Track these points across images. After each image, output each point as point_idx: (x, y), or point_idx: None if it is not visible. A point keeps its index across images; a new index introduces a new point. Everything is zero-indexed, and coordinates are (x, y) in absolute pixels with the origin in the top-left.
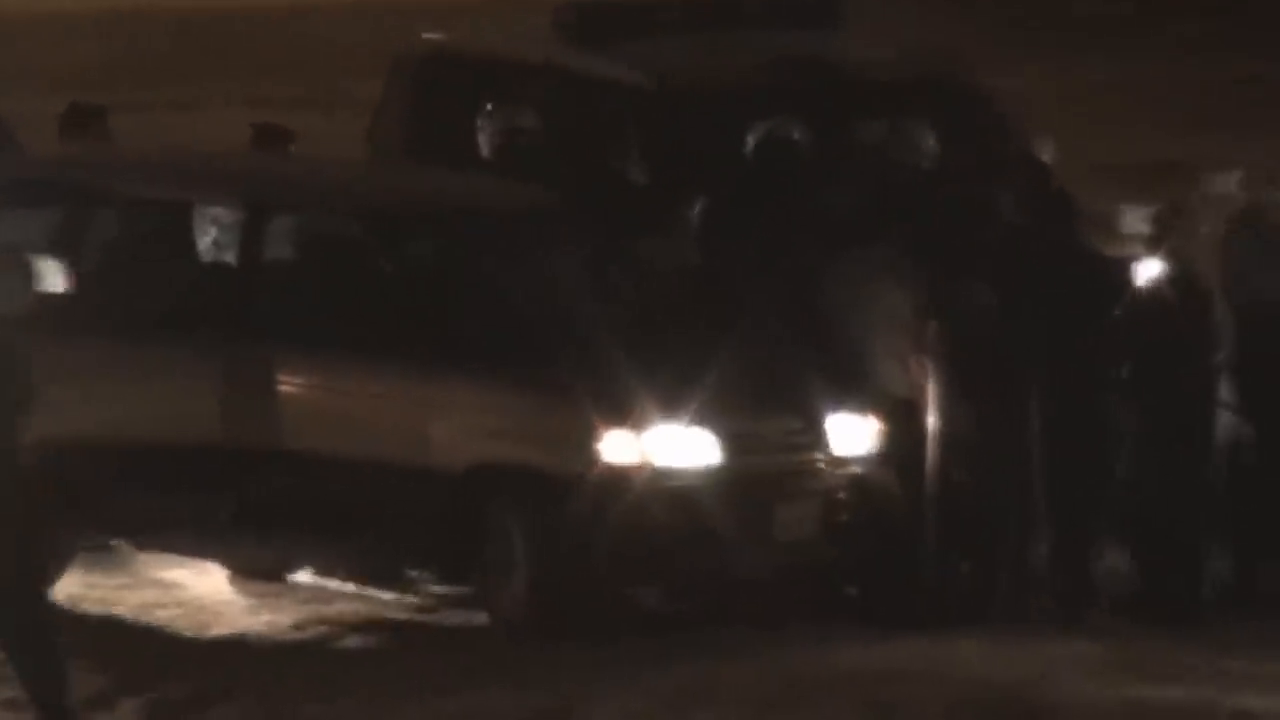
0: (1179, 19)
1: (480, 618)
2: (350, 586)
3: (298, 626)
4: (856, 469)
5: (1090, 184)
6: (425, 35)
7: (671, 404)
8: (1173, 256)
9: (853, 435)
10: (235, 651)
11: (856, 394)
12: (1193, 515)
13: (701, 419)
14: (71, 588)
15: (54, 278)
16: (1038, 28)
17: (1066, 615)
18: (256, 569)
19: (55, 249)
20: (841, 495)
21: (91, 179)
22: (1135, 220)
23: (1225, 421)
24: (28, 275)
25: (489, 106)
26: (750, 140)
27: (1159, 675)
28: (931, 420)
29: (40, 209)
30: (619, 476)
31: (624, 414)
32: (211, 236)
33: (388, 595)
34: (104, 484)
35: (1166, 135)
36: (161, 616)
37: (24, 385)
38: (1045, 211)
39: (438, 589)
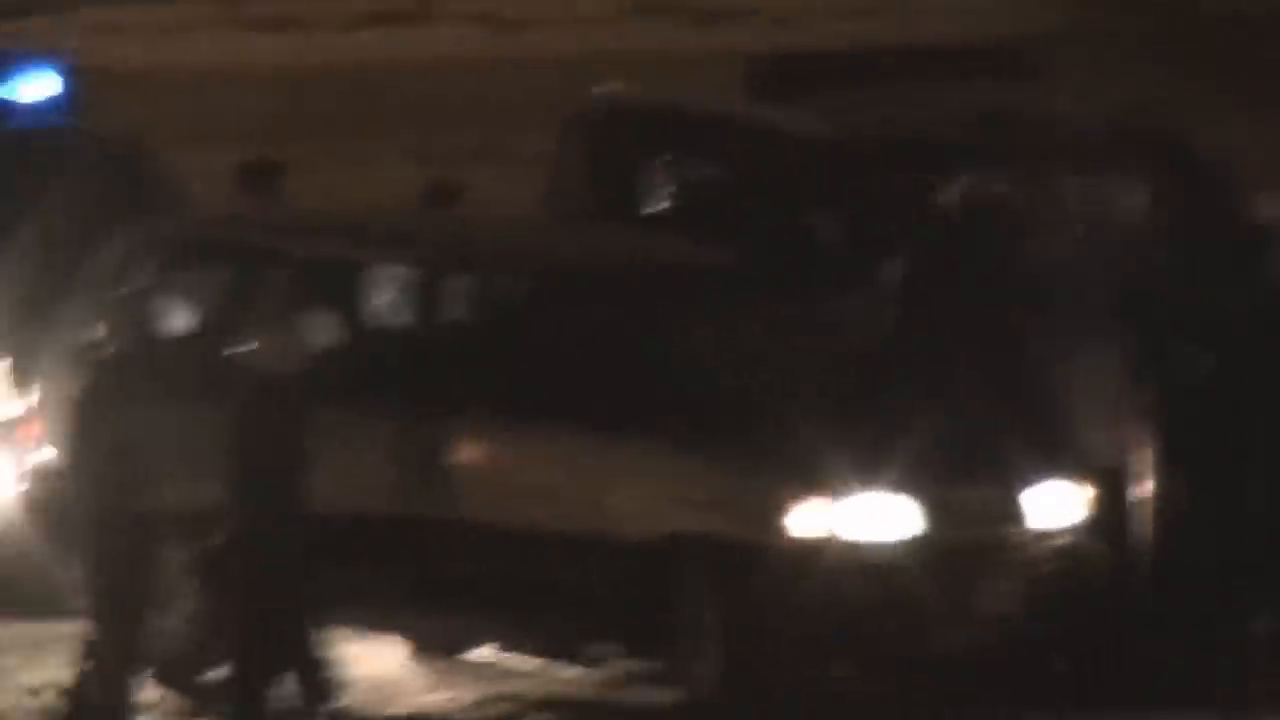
0: None
1: (669, 695)
2: (534, 662)
3: (480, 704)
4: (1062, 540)
5: None
6: (601, 89)
7: (869, 472)
8: None
9: (1059, 504)
10: None
11: (1064, 461)
12: None
13: (900, 487)
14: None
15: (329, 335)
16: (1244, 76)
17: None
18: (437, 644)
19: (227, 311)
20: (1046, 568)
21: (262, 239)
22: None
23: None
24: (301, 334)
25: (669, 161)
26: (949, 197)
27: None
28: (1146, 489)
29: (212, 269)
30: (814, 548)
31: (819, 482)
32: (386, 298)
33: (572, 671)
34: None
35: None
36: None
37: (300, 447)
38: (1261, 273)
39: (625, 665)
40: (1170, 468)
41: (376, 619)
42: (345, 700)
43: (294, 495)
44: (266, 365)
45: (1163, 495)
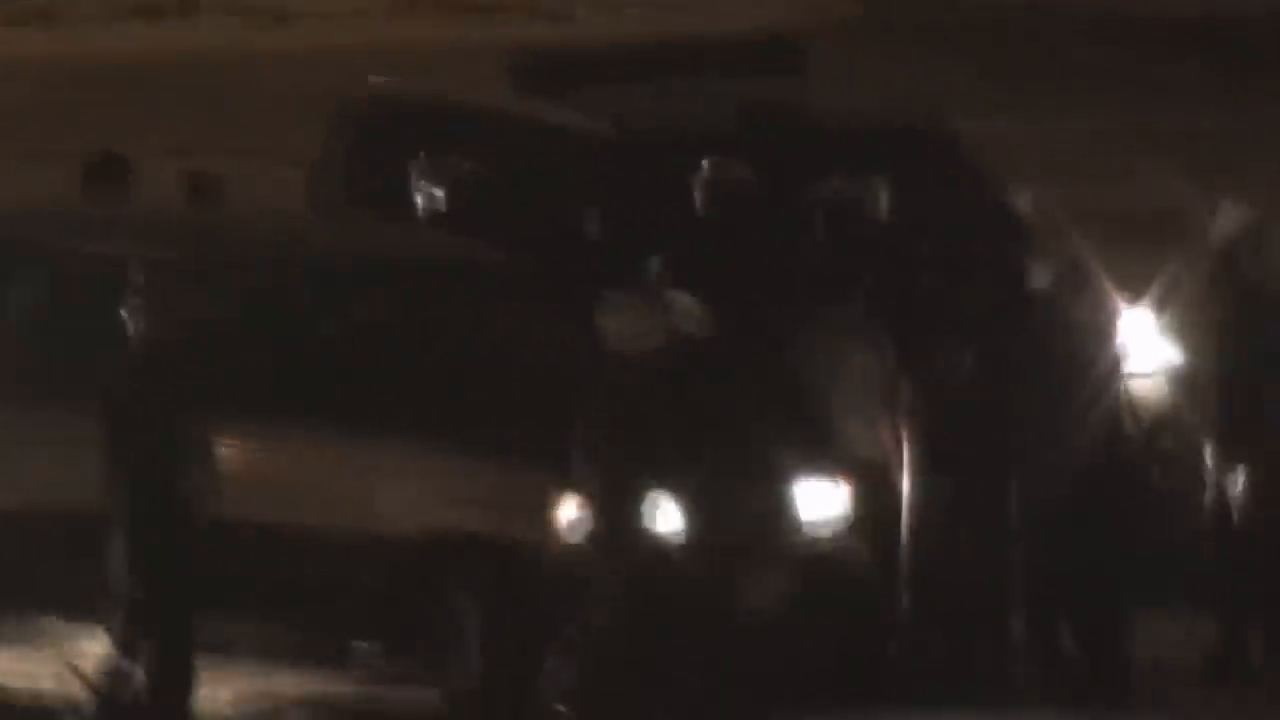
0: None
1: (430, 694)
2: (293, 661)
3: (235, 702)
4: (824, 537)
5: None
6: (369, 81)
7: (633, 470)
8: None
9: (821, 502)
10: None
11: (826, 459)
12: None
13: (664, 485)
14: None
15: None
16: (1013, 74)
17: (1046, 688)
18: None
19: None
20: (809, 565)
21: (24, 234)
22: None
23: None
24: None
25: (430, 154)
26: (710, 192)
27: None
28: (905, 486)
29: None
30: (577, 547)
31: (582, 481)
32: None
33: (332, 670)
34: (44, 554)
35: (1156, 183)
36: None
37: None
38: (1025, 268)
39: (384, 663)
40: (930, 465)
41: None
42: (98, 700)
43: None
44: None
45: (922, 493)
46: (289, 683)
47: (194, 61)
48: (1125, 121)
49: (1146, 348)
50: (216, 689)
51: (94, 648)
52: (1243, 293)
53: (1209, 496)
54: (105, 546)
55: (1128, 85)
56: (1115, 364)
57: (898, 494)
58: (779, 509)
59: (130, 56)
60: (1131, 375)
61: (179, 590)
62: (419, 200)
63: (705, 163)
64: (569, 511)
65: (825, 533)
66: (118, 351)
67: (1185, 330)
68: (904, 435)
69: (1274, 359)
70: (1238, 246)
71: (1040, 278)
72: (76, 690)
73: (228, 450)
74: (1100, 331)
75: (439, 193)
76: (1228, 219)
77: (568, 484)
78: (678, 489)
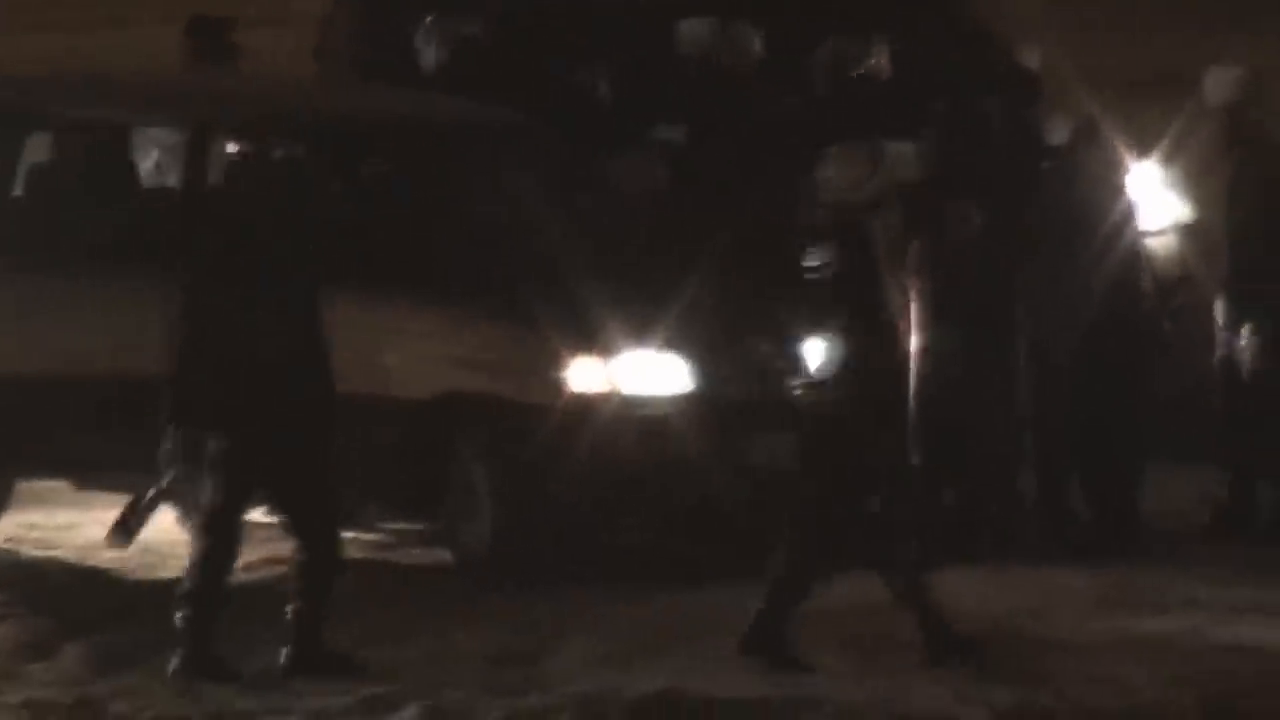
0: None
1: (445, 556)
2: None
3: (249, 568)
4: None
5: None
6: None
7: (642, 330)
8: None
9: (829, 359)
10: None
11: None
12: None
13: (673, 345)
14: (13, 529)
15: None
16: None
17: (1058, 546)
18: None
19: None
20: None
21: (22, 100)
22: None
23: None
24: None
25: (435, 17)
26: (714, 51)
27: (1150, 606)
28: (915, 342)
29: None
30: (587, 405)
31: (592, 341)
32: (152, 160)
33: (346, 533)
34: (42, 420)
35: (1162, 39)
36: (108, 558)
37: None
38: (1035, 126)
39: (399, 526)
40: (938, 322)
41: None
42: (114, 566)
43: None
44: None
45: (931, 348)
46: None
47: None
48: None
49: (1157, 203)
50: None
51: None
52: (1246, 150)
53: (1219, 352)
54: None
55: None
56: (1125, 220)
57: (905, 349)
58: (786, 365)
59: None
60: (1142, 232)
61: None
62: (426, 63)
63: (709, 24)
64: (578, 372)
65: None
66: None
67: (1194, 186)
68: (913, 293)
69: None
70: (1237, 106)
71: (1051, 134)
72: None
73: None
74: (1110, 188)
75: (449, 55)
76: (1223, 81)
77: (575, 343)
78: (684, 349)
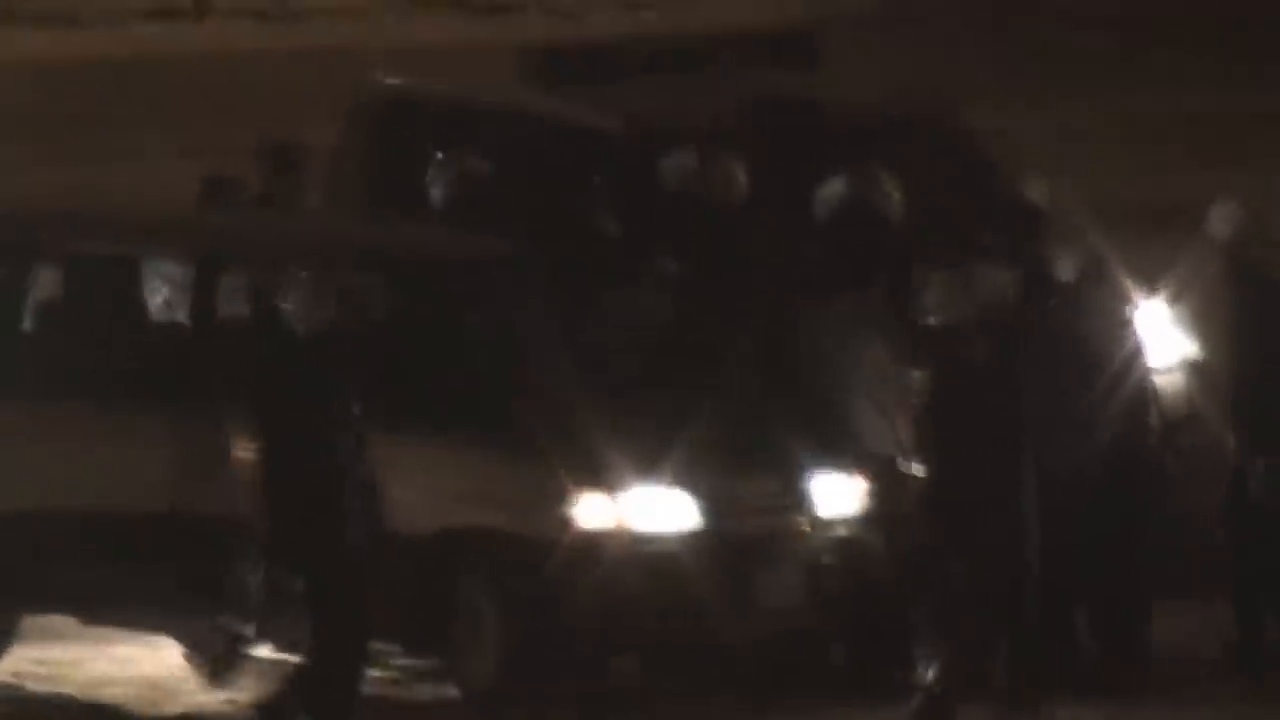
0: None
1: (451, 692)
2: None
3: (259, 700)
4: (842, 531)
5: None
6: (384, 80)
7: (647, 465)
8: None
9: (836, 496)
10: None
11: (841, 453)
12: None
13: (678, 480)
14: (18, 664)
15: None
16: (1027, 65)
17: (1064, 681)
18: (211, 645)
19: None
20: (826, 559)
21: (36, 234)
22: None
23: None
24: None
25: (447, 153)
26: (719, 186)
27: None
28: (919, 481)
29: None
30: (592, 541)
31: (597, 476)
32: (161, 295)
33: None
34: (50, 554)
35: (1167, 174)
36: (111, 694)
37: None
38: (1039, 259)
39: (405, 662)
40: (944, 458)
41: (149, 619)
42: (119, 702)
43: None
44: None
45: (935, 485)
46: None
47: (207, 61)
48: (1138, 110)
49: (1162, 340)
50: (235, 692)
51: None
52: (1250, 286)
53: (1226, 487)
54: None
55: (1139, 72)
56: (1132, 356)
57: (911, 487)
58: (794, 502)
59: (144, 57)
60: (1148, 368)
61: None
62: (436, 197)
63: (713, 158)
64: (585, 507)
65: (840, 528)
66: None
67: (1199, 323)
68: (917, 428)
69: None
70: (1240, 241)
71: (1058, 269)
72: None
73: (242, 451)
74: (1117, 324)
75: (457, 189)
76: (1225, 216)
77: (583, 480)
78: (691, 483)
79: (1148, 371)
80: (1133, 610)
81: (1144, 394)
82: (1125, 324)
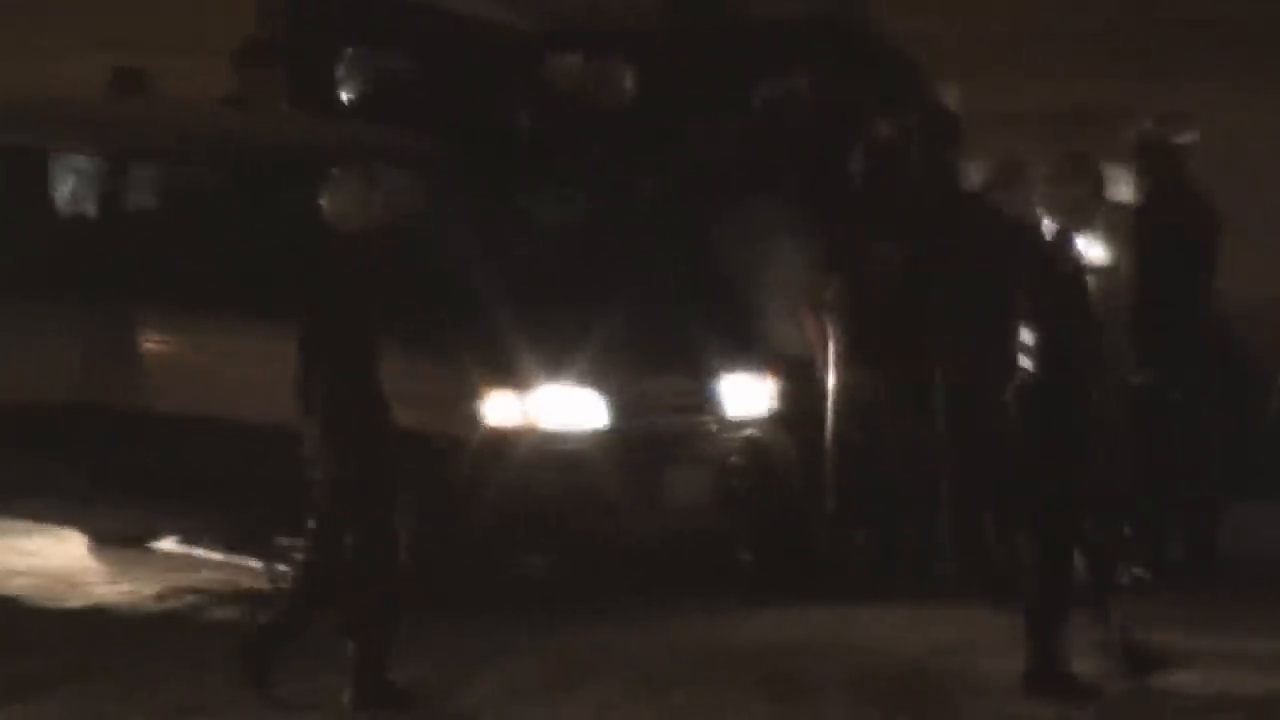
0: None
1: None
2: (216, 554)
3: (161, 596)
4: (749, 431)
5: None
6: None
7: (557, 364)
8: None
9: (746, 396)
10: (94, 623)
11: (751, 353)
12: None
13: (588, 380)
14: None
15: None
16: None
17: (968, 585)
18: (118, 536)
19: None
20: (734, 459)
21: None
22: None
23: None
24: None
25: (362, 48)
26: (633, 84)
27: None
28: (830, 381)
29: None
30: (502, 439)
31: (508, 374)
32: (70, 187)
33: (256, 563)
34: None
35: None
36: (17, 585)
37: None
38: (952, 162)
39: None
40: (856, 359)
41: (56, 511)
42: (23, 594)
43: None
44: None
45: (848, 387)
46: (216, 576)
47: None
48: (1046, 22)
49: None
50: (139, 584)
51: None
52: (1151, 190)
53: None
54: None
55: None
56: (1040, 261)
57: (822, 389)
58: (703, 402)
59: None
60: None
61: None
62: (348, 93)
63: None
64: (492, 404)
65: (750, 428)
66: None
67: (1109, 230)
68: (830, 331)
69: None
70: (1149, 147)
71: (969, 175)
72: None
73: (152, 341)
74: (1027, 229)
75: (371, 85)
76: (1138, 121)
77: (491, 377)
78: (600, 382)
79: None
80: (1035, 515)
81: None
82: (1035, 229)
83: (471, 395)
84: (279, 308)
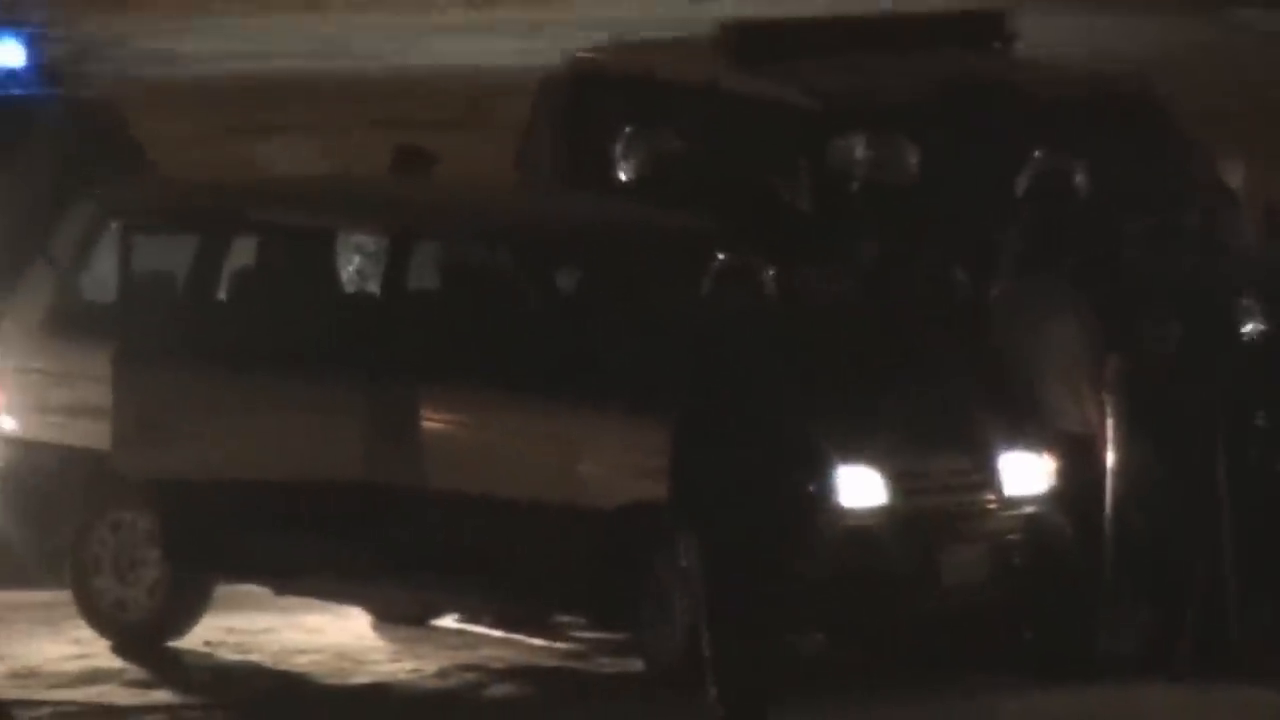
0: None
1: (635, 665)
2: (498, 632)
3: (442, 674)
4: (1027, 509)
5: None
6: (578, 53)
7: (839, 443)
8: None
9: (1024, 474)
10: (376, 701)
11: (1029, 432)
12: None
13: (866, 457)
14: (210, 632)
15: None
16: (1224, 43)
17: (1256, 665)
18: (400, 614)
19: (194, 277)
20: (1013, 537)
21: (233, 206)
22: None
23: None
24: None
25: (641, 128)
26: (916, 162)
27: None
28: (1110, 460)
29: (180, 234)
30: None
31: (784, 452)
32: (355, 266)
33: (537, 641)
34: (243, 524)
35: None
36: (300, 663)
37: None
38: (1236, 242)
39: (590, 634)
40: (1135, 438)
41: (339, 588)
42: (307, 671)
43: None
44: None
45: (1127, 466)
46: (493, 654)
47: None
48: None
49: None
50: (421, 661)
51: None
52: None
53: None
54: None
55: None
56: None
57: (1102, 467)
58: (982, 480)
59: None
60: None
61: None
62: (625, 172)
63: (883, 138)
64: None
65: (1029, 507)
66: None
67: None
68: (1109, 408)
69: None
70: None
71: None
72: None
73: (437, 422)
74: None
75: (649, 164)
76: None
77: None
78: (877, 461)
79: None
80: None
81: None
82: None
83: None
84: (560, 387)
